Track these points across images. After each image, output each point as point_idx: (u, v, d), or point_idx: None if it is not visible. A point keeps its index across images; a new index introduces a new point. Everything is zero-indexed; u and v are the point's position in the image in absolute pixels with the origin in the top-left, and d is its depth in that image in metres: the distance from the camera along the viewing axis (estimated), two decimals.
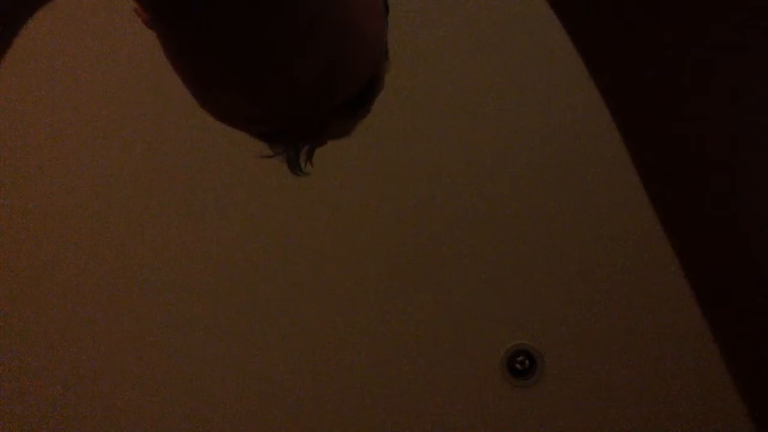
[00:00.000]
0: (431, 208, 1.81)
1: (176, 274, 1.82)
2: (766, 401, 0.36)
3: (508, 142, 1.79)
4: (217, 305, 1.84)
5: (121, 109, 1.78)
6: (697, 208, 0.37)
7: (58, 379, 1.83)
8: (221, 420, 1.86)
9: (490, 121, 1.79)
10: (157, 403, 1.85)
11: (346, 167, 1.79)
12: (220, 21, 0.46)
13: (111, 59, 1.76)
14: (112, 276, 1.82)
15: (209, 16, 0.46)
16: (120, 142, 1.79)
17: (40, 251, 1.81)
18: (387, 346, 1.85)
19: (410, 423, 1.86)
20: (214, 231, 1.82)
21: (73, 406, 1.83)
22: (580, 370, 1.85)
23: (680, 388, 1.83)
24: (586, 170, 1.79)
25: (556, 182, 1.80)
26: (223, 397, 1.85)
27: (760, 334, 0.36)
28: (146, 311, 1.83)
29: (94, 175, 1.80)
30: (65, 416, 1.83)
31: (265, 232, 1.82)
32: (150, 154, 1.80)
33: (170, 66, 0.54)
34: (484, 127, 1.79)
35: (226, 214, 1.82)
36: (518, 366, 1.85)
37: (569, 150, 1.78)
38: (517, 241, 1.82)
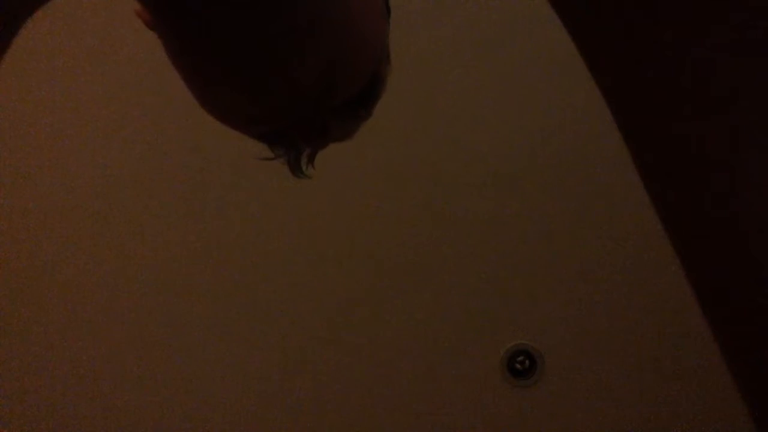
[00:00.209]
0: (431, 208, 1.81)
1: (176, 274, 1.82)
2: (766, 401, 0.36)
3: (508, 142, 1.79)
4: (217, 305, 1.84)
5: (121, 109, 1.78)
6: (697, 208, 0.37)
7: (58, 379, 1.83)
8: (221, 420, 1.86)
9: (490, 122, 1.79)
10: (157, 403, 1.85)
11: (347, 167, 1.79)
12: (220, 21, 0.46)
13: (111, 59, 1.76)
14: (112, 276, 1.82)
15: (209, 16, 0.46)
16: (120, 142, 1.79)
17: (40, 251, 1.81)
18: (387, 346, 1.85)
19: (410, 423, 1.86)
20: (214, 231, 1.82)
21: (73, 406, 1.83)
22: (580, 370, 1.85)
23: (680, 388, 1.83)
24: (586, 170, 1.79)
25: (556, 182, 1.80)
26: (223, 397, 1.85)
27: (760, 334, 0.36)
28: (146, 311, 1.83)
29: (94, 175, 1.80)
30: (65, 416, 1.83)
31: (265, 232, 1.82)
32: (150, 154, 1.80)
33: (172, 66, 0.54)
34: (485, 128, 1.79)
35: (226, 214, 1.82)
36: (518, 366, 1.85)
37: (569, 150, 1.78)
38: (517, 241, 1.82)
